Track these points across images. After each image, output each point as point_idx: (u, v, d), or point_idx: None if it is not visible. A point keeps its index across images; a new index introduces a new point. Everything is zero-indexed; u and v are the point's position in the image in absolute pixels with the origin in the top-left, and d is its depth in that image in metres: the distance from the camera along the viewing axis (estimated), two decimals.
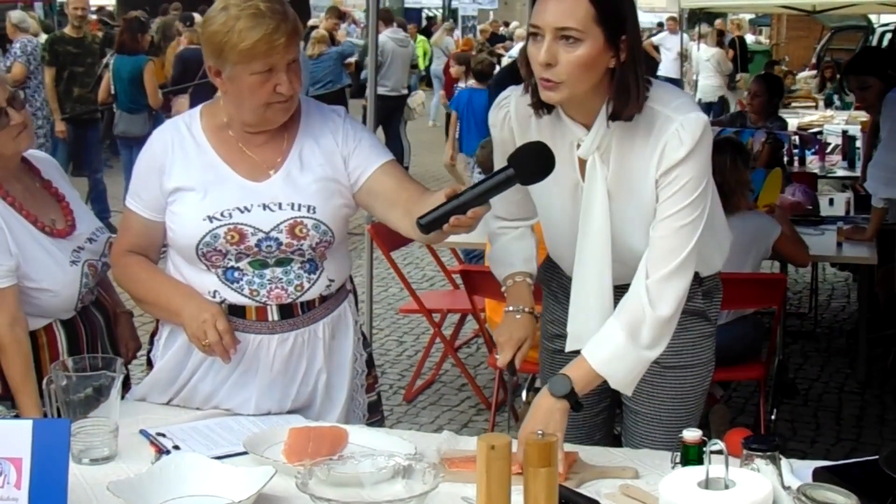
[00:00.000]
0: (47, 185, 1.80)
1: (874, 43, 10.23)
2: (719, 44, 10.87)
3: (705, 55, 10.35)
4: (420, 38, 8.82)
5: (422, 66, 11.26)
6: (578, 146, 1.50)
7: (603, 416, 1.75)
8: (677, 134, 1.44)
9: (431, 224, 1.41)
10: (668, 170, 1.45)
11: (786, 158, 4.99)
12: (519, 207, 1.66)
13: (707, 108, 9.96)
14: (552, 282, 1.73)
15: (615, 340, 1.46)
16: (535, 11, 1.42)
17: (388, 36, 7.88)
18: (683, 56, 10.86)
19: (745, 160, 3.09)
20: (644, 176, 1.48)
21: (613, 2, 1.40)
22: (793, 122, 6.01)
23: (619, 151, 1.48)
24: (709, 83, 10.26)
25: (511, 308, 1.61)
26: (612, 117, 1.45)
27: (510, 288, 1.64)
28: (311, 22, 9.38)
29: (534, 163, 1.42)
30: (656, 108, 1.46)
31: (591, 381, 1.48)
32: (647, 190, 1.48)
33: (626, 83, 1.42)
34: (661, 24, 13.11)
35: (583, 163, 1.51)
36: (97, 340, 1.77)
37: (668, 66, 11.04)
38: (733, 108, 9.71)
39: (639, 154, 1.47)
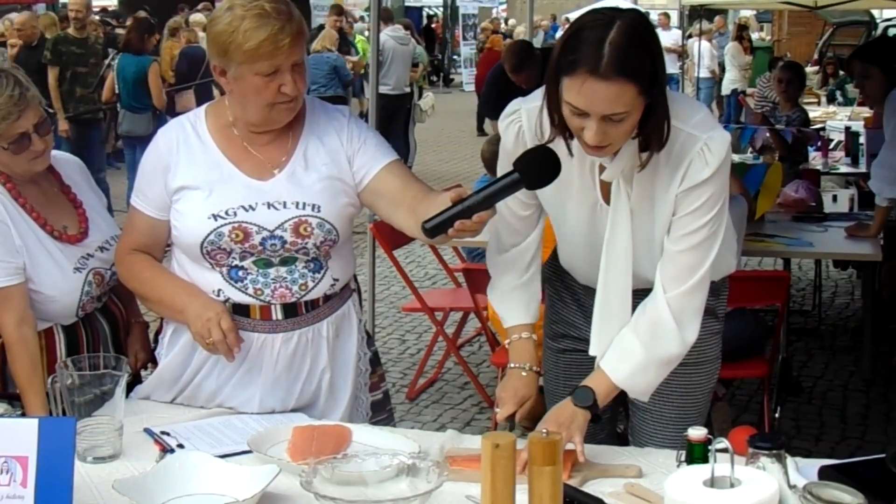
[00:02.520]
0: (65, 190, 1.80)
1: None
2: (738, 38, 10.92)
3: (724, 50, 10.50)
4: (360, 37, 8.44)
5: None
6: (601, 167, 1.49)
7: (606, 415, 1.75)
8: (702, 154, 1.43)
9: (436, 228, 1.41)
10: (690, 188, 1.45)
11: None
12: (526, 224, 1.63)
13: (725, 100, 10.08)
14: (557, 282, 1.73)
15: (635, 357, 1.49)
16: (573, 91, 1.35)
17: (388, 34, 7.85)
18: (684, 53, 10.88)
19: None
20: (665, 193, 1.48)
21: (653, 65, 1.36)
22: None
23: (642, 172, 1.47)
24: (725, 76, 10.37)
25: (516, 365, 1.61)
26: (643, 149, 1.43)
27: (515, 343, 1.63)
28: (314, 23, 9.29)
29: (540, 168, 1.40)
30: (677, 126, 1.44)
31: (612, 394, 1.52)
32: (667, 206, 1.48)
33: (658, 120, 1.40)
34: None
35: (604, 184, 1.50)
36: (99, 348, 1.76)
37: None
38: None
39: (661, 173, 1.47)
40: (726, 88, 10.51)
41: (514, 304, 1.64)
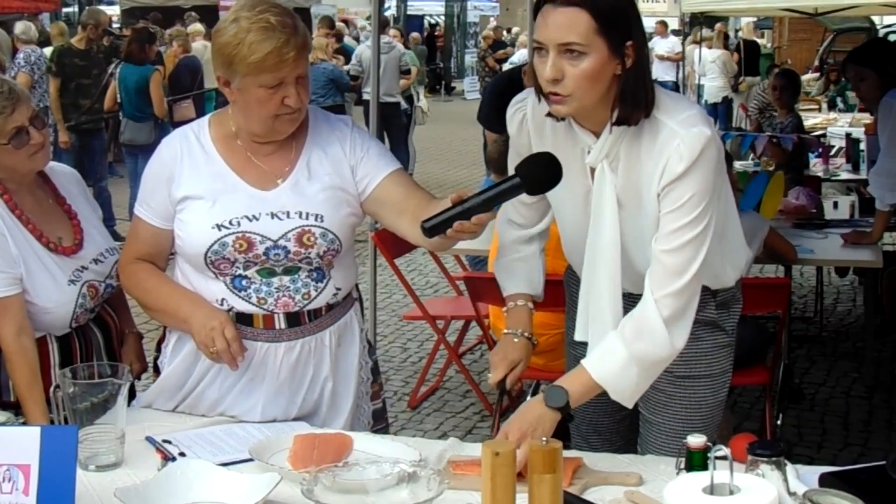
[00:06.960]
0: (61, 202, 1.80)
1: None
2: (725, 46, 10.94)
3: (710, 57, 10.46)
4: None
5: None
6: (589, 153, 1.50)
7: (625, 423, 1.74)
8: (678, 149, 1.43)
9: (435, 228, 1.41)
10: (668, 183, 1.44)
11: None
12: (535, 211, 1.66)
13: (712, 109, 10.09)
14: (575, 288, 1.72)
15: (617, 357, 1.46)
16: (538, 26, 1.42)
17: (367, 45, 7.84)
18: (684, 60, 10.90)
19: (726, 162, 3.11)
20: (648, 187, 1.48)
21: (615, 10, 1.39)
22: None
23: (627, 160, 1.48)
24: (714, 84, 10.40)
25: (509, 331, 1.63)
26: (618, 122, 1.44)
27: (511, 310, 1.65)
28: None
29: (541, 173, 1.42)
30: (662, 120, 1.45)
31: (589, 393, 1.49)
32: (651, 201, 1.48)
33: (632, 88, 1.41)
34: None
35: (594, 170, 1.51)
36: (92, 357, 1.77)
37: (657, 70, 11.09)
38: (736, 109, 9.79)
39: (644, 165, 1.47)
40: (717, 96, 10.46)
41: (516, 273, 1.67)
